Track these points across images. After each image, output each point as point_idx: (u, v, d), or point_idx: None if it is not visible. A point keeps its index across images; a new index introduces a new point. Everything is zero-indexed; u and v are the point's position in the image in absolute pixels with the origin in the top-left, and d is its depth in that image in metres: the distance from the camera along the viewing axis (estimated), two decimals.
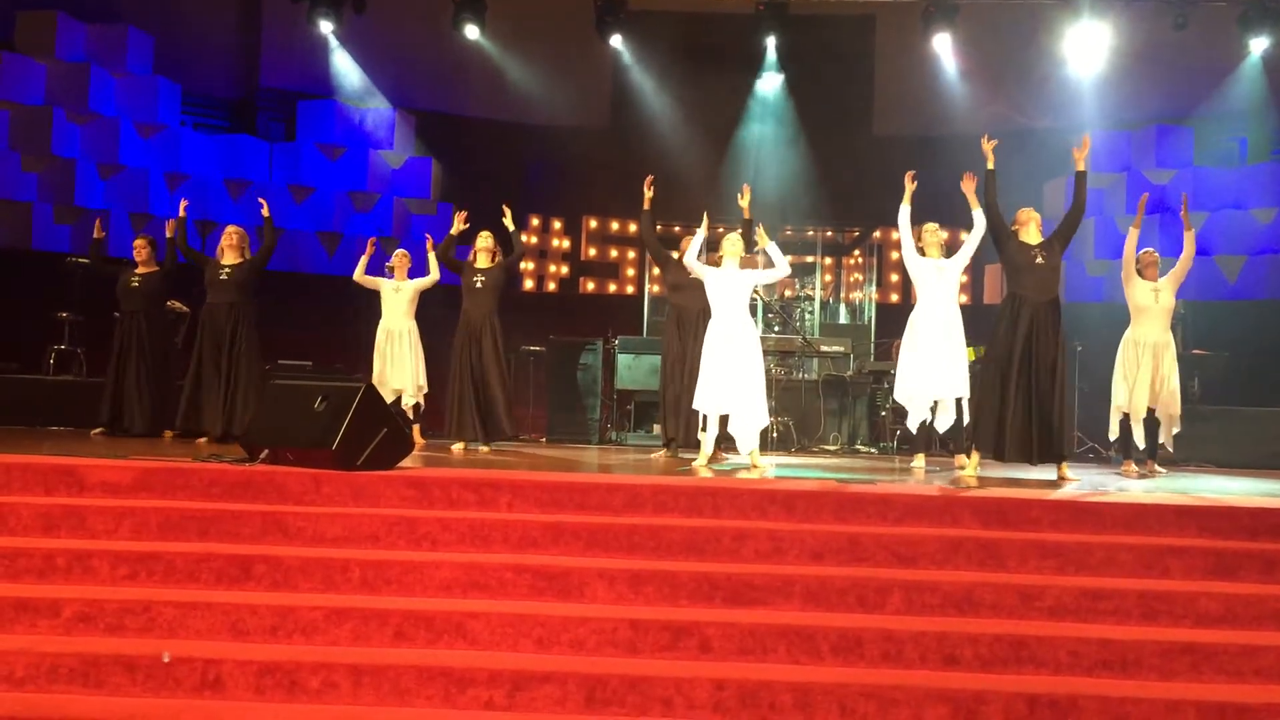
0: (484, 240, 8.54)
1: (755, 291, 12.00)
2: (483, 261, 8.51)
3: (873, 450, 10.49)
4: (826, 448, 10.44)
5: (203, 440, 7.90)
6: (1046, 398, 6.73)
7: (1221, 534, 4.96)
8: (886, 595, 4.45)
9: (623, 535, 4.79)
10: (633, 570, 4.53)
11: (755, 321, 7.25)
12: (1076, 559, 4.74)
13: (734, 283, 7.08)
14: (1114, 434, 8.11)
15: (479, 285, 8.40)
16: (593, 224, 15.43)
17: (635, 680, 3.90)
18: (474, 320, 8.36)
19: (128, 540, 4.77)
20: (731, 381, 6.91)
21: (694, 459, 7.29)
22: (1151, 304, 7.98)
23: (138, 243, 8.83)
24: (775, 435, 9.95)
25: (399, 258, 8.91)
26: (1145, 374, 7.90)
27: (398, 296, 8.74)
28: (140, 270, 8.72)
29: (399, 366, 8.66)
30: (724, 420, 7.12)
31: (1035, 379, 6.74)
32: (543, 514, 5.01)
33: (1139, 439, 7.96)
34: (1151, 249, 8.31)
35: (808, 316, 12.18)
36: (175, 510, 4.90)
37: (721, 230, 7.80)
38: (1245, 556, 4.76)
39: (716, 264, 7.28)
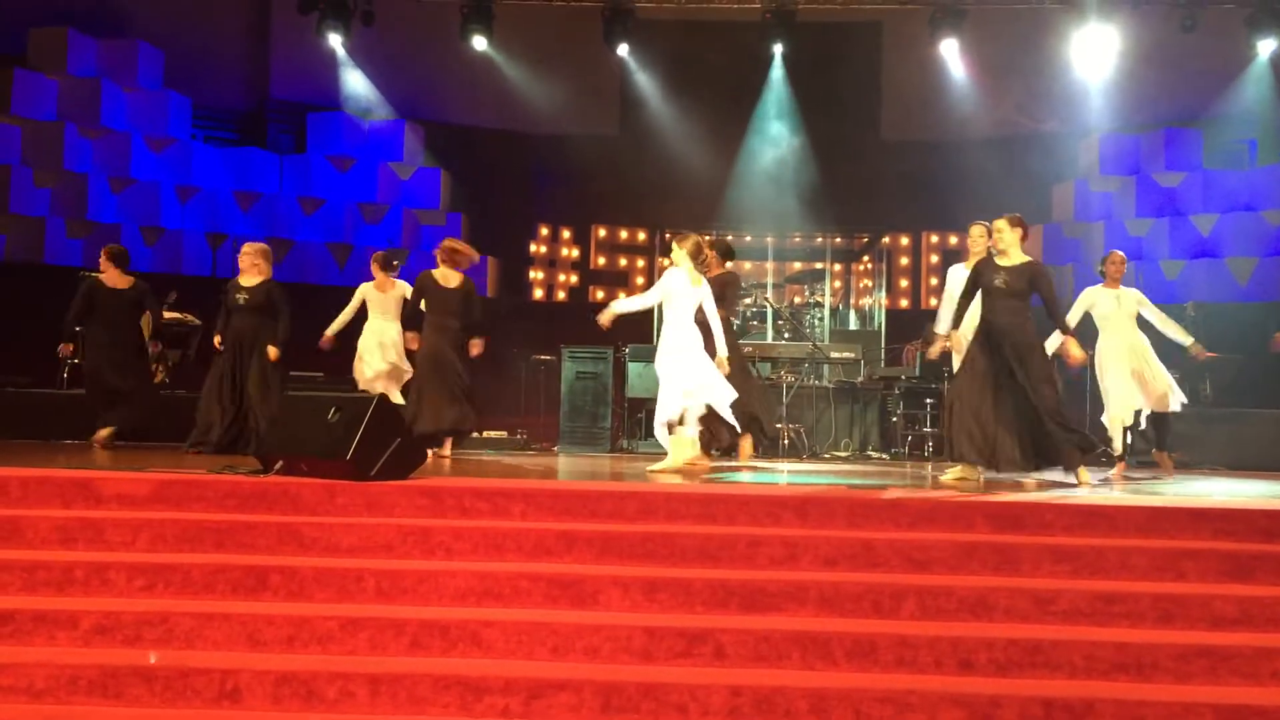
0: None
1: (765, 299, 12.12)
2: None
3: (884, 456, 10.49)
4: (838, 454, 10.45)
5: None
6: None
7: (1236, 536, 4.95)
8: (901, 600, 4.45)
9: (636, 543, 4.79)
10: (647, 577, 4.53)
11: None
12: (1091, 563, 4.73)
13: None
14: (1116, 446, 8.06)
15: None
16: (602, 233, 15.47)
17: (650, 687, 3.91)
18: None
19: (145, 552, 4.79)
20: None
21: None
22: (1114, 309, 8.03)
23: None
24: (786, 442, 9.97)
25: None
26: (1126, 378, 7.91)
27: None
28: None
29: None
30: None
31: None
32: (556, 522, 5.02)
33: (1117, 441, 7.99)
34: (1120, 253, 8.34)
35: (818, 323, 12.19)
36: (191, 522, 4.92)
37: (669, 236, 7.88)
38: (1260, 558, 4.74)
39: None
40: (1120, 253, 8.33)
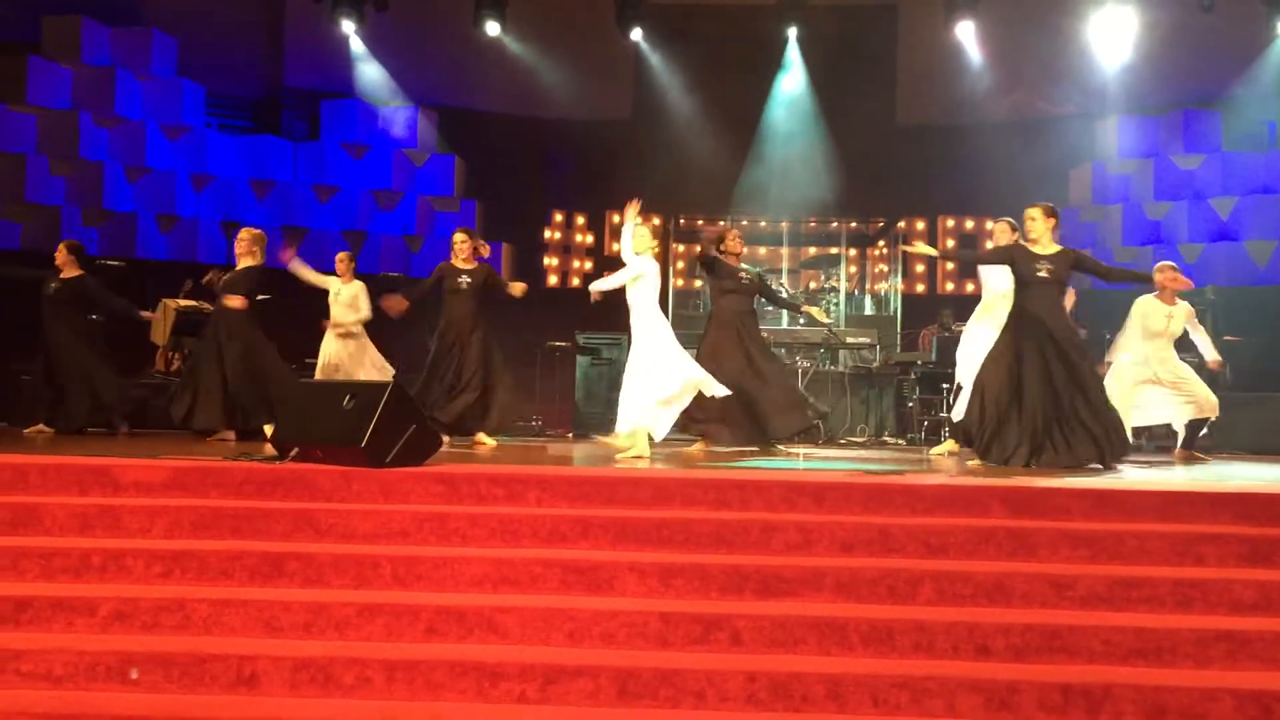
0: (462, 241, 8.41)
1: (780, 283, 12.08)
2: (463, 263, 8.40)
3: (900, 441, 10.46)
4: (854, 439, 10.43)
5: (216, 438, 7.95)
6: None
7: (1255, 520, 4.90)
8: (917, 586, 4.43)
9: (651, 529, 4.79)
10: (662, 563, 4.53)
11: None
12: (1108, 548, 4.70)
13: None
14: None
15: (464, 286, 8.30)
16: (616, 218, 15.41)
17: (667, 673, 3.91)
18: (460, 321, 8.27)
19: (162, 539, 4.82)
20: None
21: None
22: (1165, 326, 8.10)
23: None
24: None
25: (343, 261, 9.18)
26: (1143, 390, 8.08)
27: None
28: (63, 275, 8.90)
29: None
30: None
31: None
32: (571, 508, 5.02)
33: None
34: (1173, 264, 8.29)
35: (833, 308, 12.14)
36: (208, 509, 4.94)
37: (641, 220, 7.86)
38: None
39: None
40: (1173, 263, 8.25)
